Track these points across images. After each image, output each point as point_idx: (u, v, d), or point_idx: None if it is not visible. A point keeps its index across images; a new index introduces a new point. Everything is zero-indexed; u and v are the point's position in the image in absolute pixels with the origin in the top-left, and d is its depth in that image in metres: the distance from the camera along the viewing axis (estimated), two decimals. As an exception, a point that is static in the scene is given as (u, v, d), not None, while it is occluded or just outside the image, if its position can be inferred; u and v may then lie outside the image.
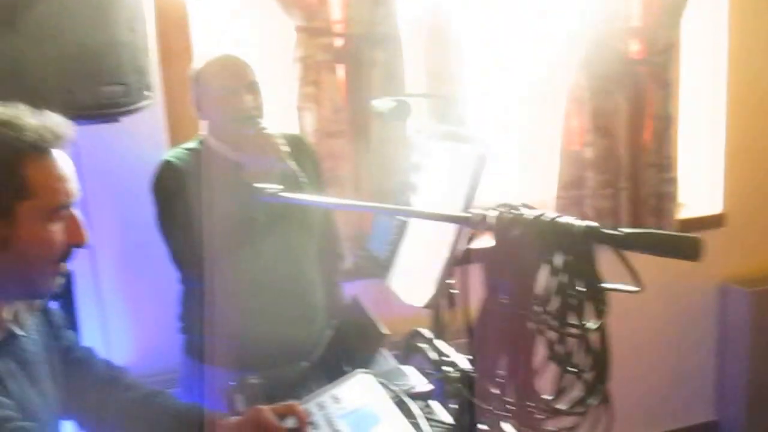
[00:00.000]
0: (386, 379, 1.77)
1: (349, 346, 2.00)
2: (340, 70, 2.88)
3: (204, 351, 2.27)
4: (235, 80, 2.22)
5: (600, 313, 0.99)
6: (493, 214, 1.07)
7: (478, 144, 1.80)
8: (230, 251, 2.11)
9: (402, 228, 2.10)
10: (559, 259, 0.99)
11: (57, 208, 1.37)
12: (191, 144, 2.35)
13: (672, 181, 3.31)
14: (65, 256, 1.42)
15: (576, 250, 0.97)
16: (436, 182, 2.00)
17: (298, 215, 2.30)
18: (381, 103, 2.33)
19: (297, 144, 2.45)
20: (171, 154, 2.29)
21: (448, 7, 3.03)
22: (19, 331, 1.42)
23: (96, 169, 2.40)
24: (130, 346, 2.76)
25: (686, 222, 3.49)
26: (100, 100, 2.02)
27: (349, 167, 2.91)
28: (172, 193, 2.19)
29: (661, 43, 3.17)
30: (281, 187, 1.81)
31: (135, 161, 2.56)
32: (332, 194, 2.83)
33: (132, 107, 2.13)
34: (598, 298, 0.99)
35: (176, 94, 2.79)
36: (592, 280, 0.98)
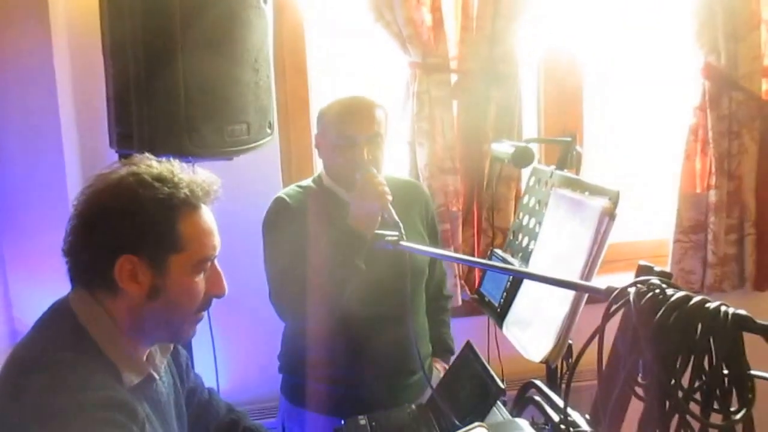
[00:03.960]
0: (500, 433, 1.76)
1: (461, 394, 1.99)
2: (455, 107, 2.91)
3: (303, 396, 2.29)
4: (355, 131, 2.19)
5: (745, 402, 0.96)
6: (631, 290, 1.05)
7: (605, 197, 1.78)
8: (332, 294, 2.11)
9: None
10: (704, 343, 0.97)
11: (203, 261, 1.44)
12: (306, 182, 2.36)
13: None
14: (205, 305, 1.49)
15: (722, 335, 0.96)
16: (557, 233, 1.98)
17: (408, 261, 2.23)
18: (500, 147, 2.34)
19: (411, 190, 2.43)
20: (285, 191, 2.31)
21: (569, 47, 3.05)
22: (155, 375, 1.49)
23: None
24: (233, 374, 2.85)
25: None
26: (224, 138, 2.10)
27: (461, 205, 2.93)
28: (281, 229, 2.22)
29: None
30: (398, 234, 1.82)
31: (247, 197, 2.57)
32: (444, 234, 2.86)
33: (253, 145, 2.21)
34: (743, 385, 0.96)
35: (292, 130, 2.89)
36: (738, 366, 0.96)
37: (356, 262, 2.11)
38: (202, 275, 1.45)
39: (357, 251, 2.10)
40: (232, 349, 2.80)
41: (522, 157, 2.25)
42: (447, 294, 2.61)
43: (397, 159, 2.89)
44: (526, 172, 2.62)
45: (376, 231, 1.88)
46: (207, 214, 1.46)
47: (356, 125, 2.18)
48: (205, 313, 1.51)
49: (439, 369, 2.47)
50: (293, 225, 2.19)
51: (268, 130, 2.26)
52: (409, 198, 2.38)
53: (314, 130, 2.34)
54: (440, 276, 2.54)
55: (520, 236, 2.25)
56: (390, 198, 2.10)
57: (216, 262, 1.49)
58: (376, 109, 2.21)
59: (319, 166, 2.36)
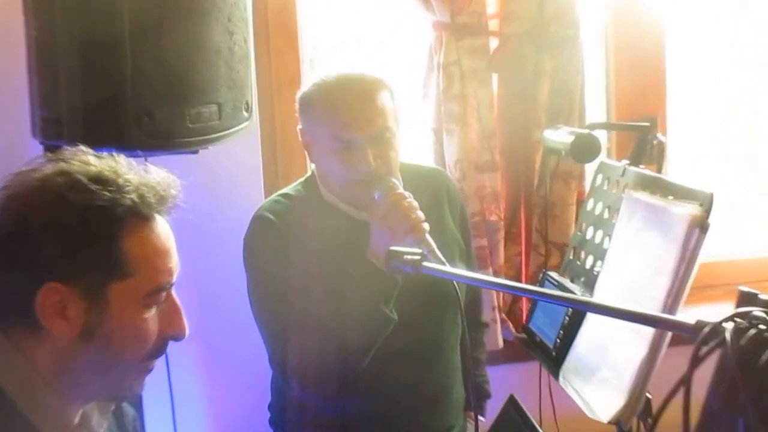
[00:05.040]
0: None
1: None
2: (495, 82, 2.89)
3: None
4: (353, 130, 2.13)
5: None
6: (728, 326, 1.05)
7: (694, 203, 1.78)
8: (347, 347, 2.09)
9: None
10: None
11: (156, 290, 1.43)
12: (293, 189, 2.34)
13: None
14: (158, 350, 1.47)
15: None
16: (631, 249, 1.98)
17: (439, 288, 2.22)
18: (556, 136, 2.34)
19: (436, 180, 2.42)
20: (268, 206, 2.29)
21: (646, 2, 3.03)
22: None
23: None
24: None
25: None
26: (186, 125, 2.07)
27: (502, 212, 2.92)
28: (268, 259, 2.20)
29: None
30: (420, 252, 1.78)
31: (219, 203, 2.60)
32: (481, 251, 2.85)
33: (225, 133, 2.19)
34: None
35: (278, 113, 2.87)
36: None
37: (386, 312, 2.09)
38: (153, 310, 1.44)
39: (386, 299, 2.09)
40: (196, 407, 2.78)
41: (584, 149, 2.25)
42: (483, 321, 2.60)
43: (418, 151, 2.91)
44: (590, 169, 2.66)
45: (391, 248, 1.84)
46: (161, 228, 1.45)
47: (353, 122, 2.14)
48: (159, 360, 1.51)
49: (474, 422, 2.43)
50: (284, 251, 2.17)
51: (245, 114, 2.24)
52: (436, 190, 2.36)
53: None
54: (474, 296, 2.51)
55: (582, 254, 2.26)
56: (427, 227, 2.08)
57: (173, 291, 1.48)
58: (379, 92, 2.17)
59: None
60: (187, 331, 1.49)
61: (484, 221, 2.86)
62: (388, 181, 2.12)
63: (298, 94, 2.27)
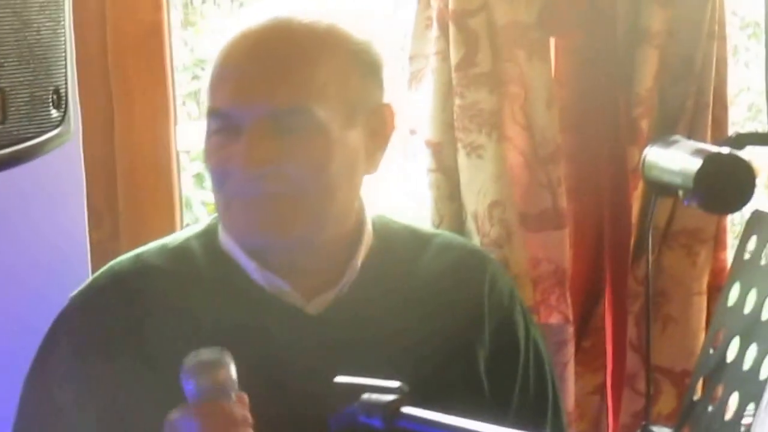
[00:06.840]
0: None
1: None
2: (552, 52, 2.83)
3: None
4: (232, 96, 2.17)
5: None
6: None
7: None
8: None
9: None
10: None
11: None
12: (183, 235, 2.41)
13: None
14: None
15: None
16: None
17: None
18: (666, 158, 2.29)
19: (461, 271, 2.32)
20: (114, 266, 2.28)
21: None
22: None
23: None
24: None
25: None
26: None
27: (570, 308, 2.81)
28: (61, 370, 2.19)
29: None
30: (399, 387, 1.64)
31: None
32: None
33: (14, 149, 2.08)
34: None
35: (121, 108, 2.80)
36: None
37: None
38: None
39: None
40: None
41: (722, 184, 2.11)
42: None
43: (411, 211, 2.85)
44: (733, 223, 2.73)
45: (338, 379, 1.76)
46: None
47: (229, 86, 2.19)
48: None
49: None
50: (125, 355, 2.19)
51: (55, 112, 2.16)
52: (458, 289, 2.32)
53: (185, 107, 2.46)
54: None
55: (718, 391, 2.26)
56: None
57: None
58: (310, 47, 2.19)
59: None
60: None
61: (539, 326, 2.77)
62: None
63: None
